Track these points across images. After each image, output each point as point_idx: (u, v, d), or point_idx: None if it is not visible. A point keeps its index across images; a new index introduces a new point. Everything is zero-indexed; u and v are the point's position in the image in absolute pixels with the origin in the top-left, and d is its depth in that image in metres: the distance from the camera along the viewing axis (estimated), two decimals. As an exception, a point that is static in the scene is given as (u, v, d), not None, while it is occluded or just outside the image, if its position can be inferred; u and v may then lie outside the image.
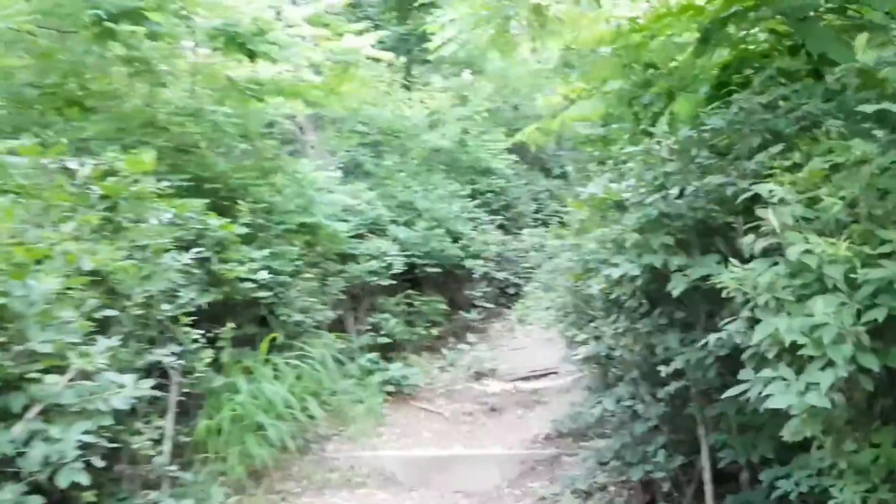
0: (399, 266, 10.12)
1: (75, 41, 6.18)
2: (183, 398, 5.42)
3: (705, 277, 3.30)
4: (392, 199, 11.46)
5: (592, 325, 4.21)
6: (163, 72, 6.63)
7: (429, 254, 10.77)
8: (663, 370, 3.59)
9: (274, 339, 6.96)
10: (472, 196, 12.66)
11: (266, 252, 6.89)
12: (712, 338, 3.12)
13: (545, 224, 14.42)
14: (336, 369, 8.41)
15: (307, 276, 8.27)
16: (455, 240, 11.21)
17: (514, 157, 14.09)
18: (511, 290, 12.82)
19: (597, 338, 4.09)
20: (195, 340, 5.32)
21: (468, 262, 11.26)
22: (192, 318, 5.91)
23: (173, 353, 5.03)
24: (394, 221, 11.05)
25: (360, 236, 10.33)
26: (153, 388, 4.93)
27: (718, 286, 2.95)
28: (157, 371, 4.98)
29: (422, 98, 13.28)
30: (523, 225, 13.88)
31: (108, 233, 4.18)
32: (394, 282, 10.17)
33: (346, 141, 12.43)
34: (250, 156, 7.91)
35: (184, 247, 6.00)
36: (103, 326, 3.94)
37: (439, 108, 13.10)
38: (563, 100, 5.54)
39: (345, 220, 10.20)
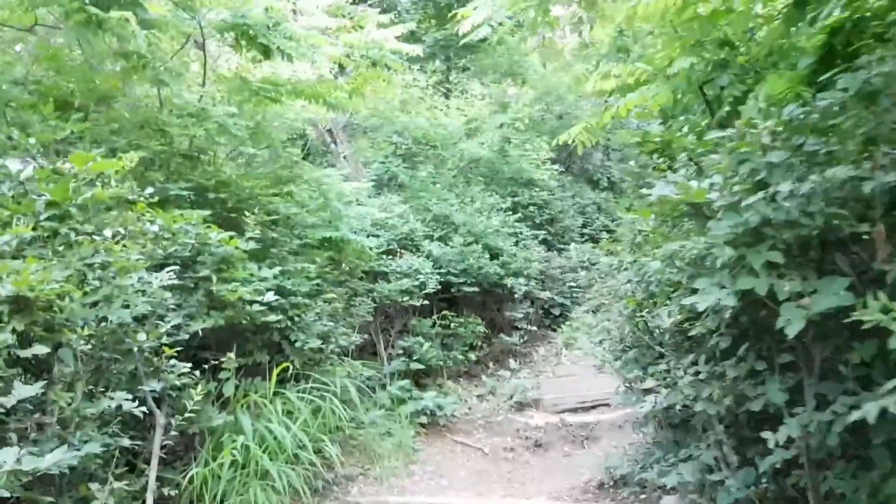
0: (433, 285, 9.27)
1: (61, 34, 5.50)
2: (170, 442, 4.61)
3: (839, 310, 2.32)
4: (426, 212, 10.65)
5: (663, 366, 3.26)
6: (164, 68, 5.89)
7: (466, 271, 9.89)
8: (769, 438, 2.60)
9: (287, 370, 6.14)
10: (513, 209, 11.75)
11: (277, 270, 6.08)
12: (871, 409, 2.09)
13: (593, 240, 13.48)
14: (361, 400, 7.57)
15: (330, 296, 7.46)
16: (494, 256, 10.31)
17: (558, 167, 13.14)
18: (556, 311, 11.87)
19: (669, 385, 3.13)
20: (184, 374, 4.50)
21: (509, 281, 10.34)
22: (191, 346, 5.17)
23: (153, 391, 4.23)
24: (428, 236, 10.23)
25: (391, 252, 9.53)
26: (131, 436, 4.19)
27: (867, 324, 2.01)
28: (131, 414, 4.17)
29: (459, 105, 12.46)
30: (569, 240, 12.93)
31: (62, 247, 3.40)
32: (427, 302, 9.31)
33: (379, 151, 11.67)
34: (265, 163, 7.14)
35: (179, 264, 5.24)
36: (41, 367, 3.14)
37: (478, 116, 12.25)
38: (617, 89, 4.64)
39: (375, 235, 9.41)
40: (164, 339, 4.40)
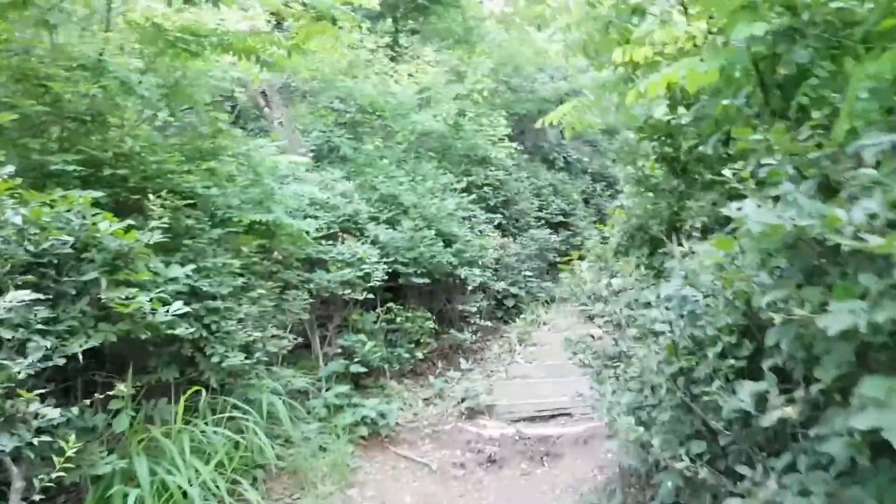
0: (380, 276, 8.14)
1: None
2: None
3: None
4: (372, 190, 9.46)
5: (758, 472, 2.23)
6: (53, 7, 4.55)
7: (416, 260, 8.78)
8: None
9: (199, 392, 4.95)
10: (467, 190, 10.64)
11: (191, 268, 4.85)
12: None
13: (549, 224, 12.53)
14: (292, 413, 6.47)
15: (258, 292, 6.27)
16: (448, 243, 9.21)
17: (516, 145, 12.06)
18: (509, 303, 10.89)
19: (751, 493, 2.14)
20: (51, 422, 3.29)
21: (462, 271, 9.27)
22: (74, 366, 3.96)
23: (2, 450, 3.03)
24: (374, 218, 9.05)
25: (331, 237, 8.32)
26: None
27: None
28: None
29: (410, 72, 11.22)
30: (524, 225, 11.92)
31: None
32: (372, 295, 8.19)
33: (320, 119, 10.36)
34: (183, 131, 5.86)
35: (56, 264, 4.00)
36: None
37: (431, 85, 11.05)
38: (649, 61, 3.57)
39: (313, 217, 8.19)
40: (27, 369, 3.21)
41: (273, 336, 6.30)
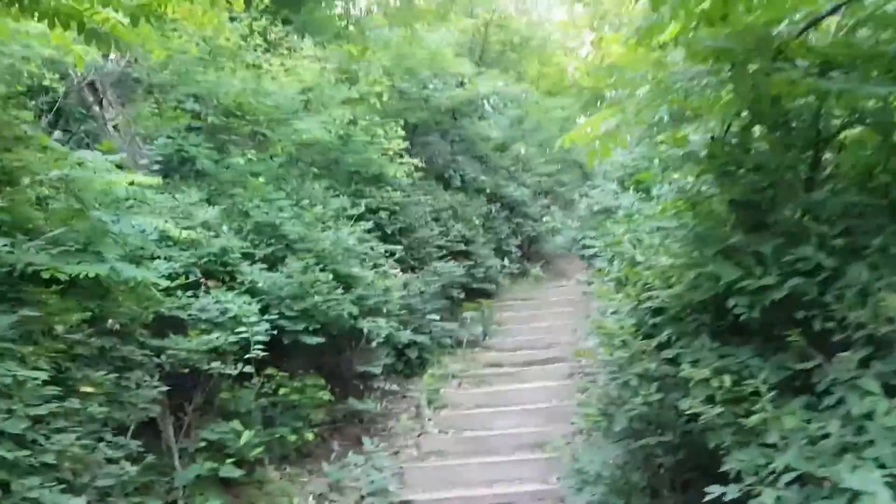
0: (262, 338, 5.96)
1: None
2: None
3: None
4: (244, 218, 7.20)
5: None
6: None
7: (307, 313, 6.63)
8: None
9: None
10: (362, 216, 8.53)
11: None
12: None
13: (451, 254, 10.67)
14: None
15: (86, 390, 3.99)
16: (346, 288, 7.11)
17: (418, 161, 10.10)
18: (412, 353, 8.91)
19: None
20: None
21: (364, 323, 7.20)
22: None
23: None
24: (247, 256, 6.80)
25: (192, 286, 6.01)
26: None
27: None
28: None
29: (289, 67, 8.99)
30: (425, 256, 9.99)
31: None
32: (248, 367, 5.98)
33: (170, 121, 7.90)
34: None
35: None
36: None
37: (315, 84, 8.89)
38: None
39: (165, 257, 5.87)
40: None
41: (108, 460, 4.03)
